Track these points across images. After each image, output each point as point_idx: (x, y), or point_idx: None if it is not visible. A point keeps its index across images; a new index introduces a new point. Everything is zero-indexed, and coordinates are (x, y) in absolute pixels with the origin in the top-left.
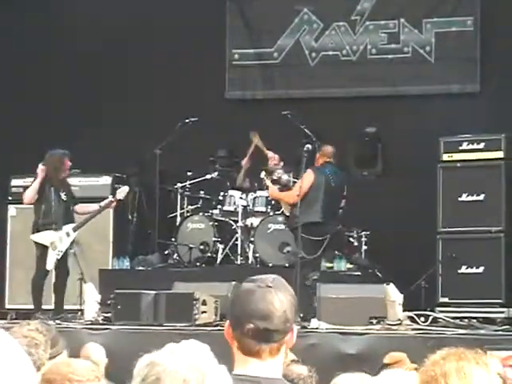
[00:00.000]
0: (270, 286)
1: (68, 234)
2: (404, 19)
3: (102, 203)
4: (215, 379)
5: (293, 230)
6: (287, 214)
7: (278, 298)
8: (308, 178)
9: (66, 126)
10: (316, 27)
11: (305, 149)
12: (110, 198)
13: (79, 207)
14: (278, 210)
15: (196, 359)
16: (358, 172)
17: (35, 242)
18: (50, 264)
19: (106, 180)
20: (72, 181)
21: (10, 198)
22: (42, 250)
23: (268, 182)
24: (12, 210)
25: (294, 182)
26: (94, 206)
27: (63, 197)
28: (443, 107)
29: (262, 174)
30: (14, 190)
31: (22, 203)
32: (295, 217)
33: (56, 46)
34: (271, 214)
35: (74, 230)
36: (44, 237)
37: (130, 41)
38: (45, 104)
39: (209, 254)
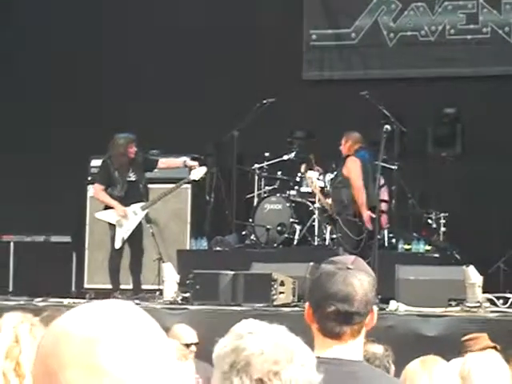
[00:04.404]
0: (349, 268)
1: (135, 213)
2: None
3: (176, 184)
4: (302, 354)
5: (340, 215)
6: (324, 205)
7: (359, 279)
8: (357, 164)
9: (143, 107)
10: (394, 7)
11: (383, 129)
12: (185, 179)
13: (162, 162)
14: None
15: (279, 337)
16: (437, 153)
17: (108, 223)
18: (118, 243)
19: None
20: None
21: (89, 179)
22: (114, 229)
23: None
24: (91, 190)
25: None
26: (177, 161)
27: (132, 177)
28: None
29: (303, 168)
30: (93, 170)
31: None
32: (344, 204)
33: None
34: None
35: (143, 208)
36: (109, 215)
37: (208, 22)
38: (122, 85)
39: (286, 235)
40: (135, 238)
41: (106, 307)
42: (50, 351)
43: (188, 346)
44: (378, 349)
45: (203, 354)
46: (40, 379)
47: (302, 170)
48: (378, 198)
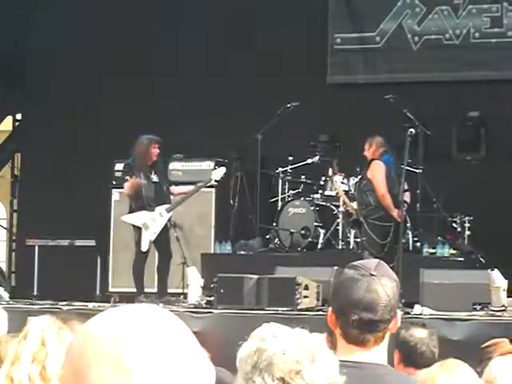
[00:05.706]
0: (373, 275)
1: (161, 215)
2: (507, 3)
3: (197, 185)
4: (325, 355)
5: (365, 219)
6: (349, 209)
7: (382, 286)
8: (381, 168)
9: (170, 112)
10: (419, 11)
11: (408, 133)
12: (206, 179)
13: (175, 189)
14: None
15: (301, 338)
16: (461, 157)
17: (133, 226)
18: (145, 245)
19: (209, 165)
20: (175, 165)
21: (114, 183)
22: (139, 232)
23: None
24: (116, 194)
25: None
26: (190, 188)
27: (155, 179)
28: None
29: (330, 172)
30: (117, 174)
31: None
32: (371, 207)
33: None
34: None
35: (168, 210)
36: (135, 218)
37: (232, 25)
38: (148, 90)
39: (310, 239)
40: (162, 241)
41: (134, 310)
42: (77, 352)
43: None
44: (422, 333)
45: (227, 358)
46: (67, 379)
47: (330, 173)
48: (403, 201)
